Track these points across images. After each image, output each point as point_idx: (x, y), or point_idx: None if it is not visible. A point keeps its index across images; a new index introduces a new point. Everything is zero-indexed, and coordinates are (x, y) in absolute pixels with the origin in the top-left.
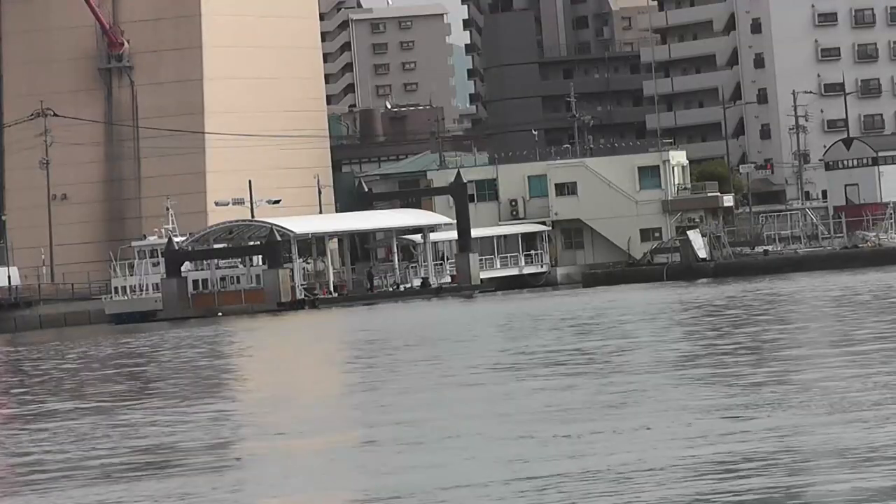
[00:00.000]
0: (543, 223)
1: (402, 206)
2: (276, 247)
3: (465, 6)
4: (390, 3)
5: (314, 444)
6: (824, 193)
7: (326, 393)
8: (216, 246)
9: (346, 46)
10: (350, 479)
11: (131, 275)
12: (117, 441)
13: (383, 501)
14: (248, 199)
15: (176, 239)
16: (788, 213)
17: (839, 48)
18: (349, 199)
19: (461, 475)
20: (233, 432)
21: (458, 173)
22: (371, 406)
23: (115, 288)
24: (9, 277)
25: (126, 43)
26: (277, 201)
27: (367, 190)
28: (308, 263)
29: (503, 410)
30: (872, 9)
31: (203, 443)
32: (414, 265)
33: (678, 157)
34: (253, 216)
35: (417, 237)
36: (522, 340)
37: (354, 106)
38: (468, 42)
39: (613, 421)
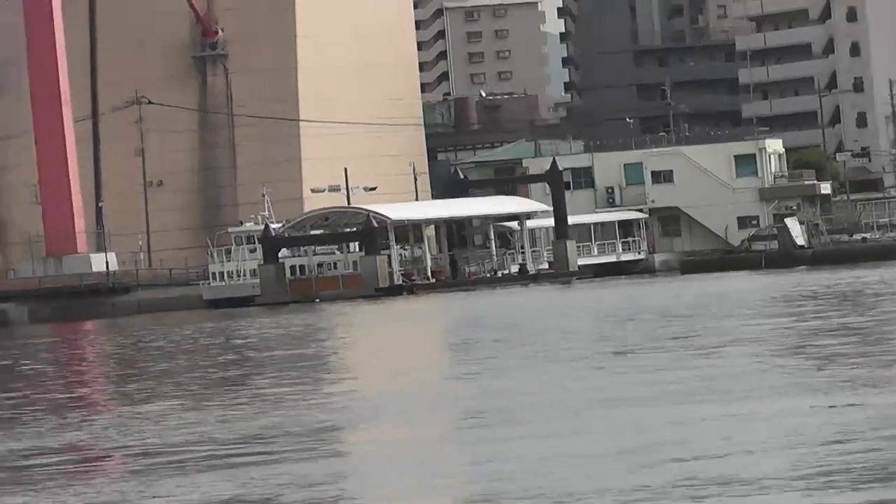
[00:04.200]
0: (640, 210)
1: (497, 194)
2: (373, 233)
3: None
4: None
5: (420, 432)
6: None
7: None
8: (313, 232)
9: (441, 35)
10: (454, 468)
11: (228, 261)
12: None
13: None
14: (344, 187)
15: (272, 226)
16: (886, 200)
17: None
18: (445, 186)
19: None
20: (340, 418)
21: (554, 161)
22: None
23: (213, 273)
24: (107, 263)
25: (220, 31)
26: (373, 188)
27: (462, 177)
28: (405, 250)
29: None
30: None
31: (308, 428)
32: (511, 252)
33: (774, 145)
34: (349, 203)
35: (514, 224)
36: None
37: (449, 94)
38: (563, 30)
39: None
